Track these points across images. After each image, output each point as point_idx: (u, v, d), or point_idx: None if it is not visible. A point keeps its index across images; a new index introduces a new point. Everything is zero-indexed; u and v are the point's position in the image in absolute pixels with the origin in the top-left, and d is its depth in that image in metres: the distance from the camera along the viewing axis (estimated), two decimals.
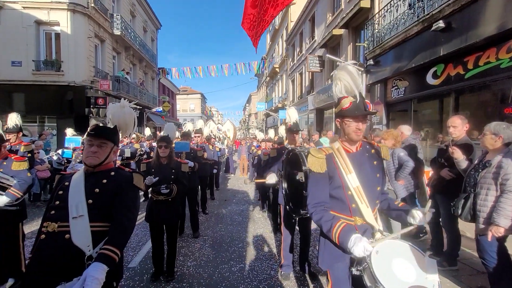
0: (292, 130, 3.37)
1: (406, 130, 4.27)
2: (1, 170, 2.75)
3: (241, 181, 10.58)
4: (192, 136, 5.64)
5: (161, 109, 20.67)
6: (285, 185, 3.00)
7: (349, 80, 1.58)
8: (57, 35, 12.24)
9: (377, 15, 8.21)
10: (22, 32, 11.70)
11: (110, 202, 1.59)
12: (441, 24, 5.55)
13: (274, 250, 3.99)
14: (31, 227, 4.75)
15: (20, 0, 11.57)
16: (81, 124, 11.11)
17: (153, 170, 3.20)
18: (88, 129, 1.75)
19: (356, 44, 10.16)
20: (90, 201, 1.56)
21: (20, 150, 3.94)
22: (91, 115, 12.48)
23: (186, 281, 3.12)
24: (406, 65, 6.87)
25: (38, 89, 11.83)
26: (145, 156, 6.88)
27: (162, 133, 4.01)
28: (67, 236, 1.48)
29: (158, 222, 3.15)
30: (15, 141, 3.94)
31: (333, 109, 13.23)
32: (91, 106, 12.42)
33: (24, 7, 11.65)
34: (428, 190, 4.41)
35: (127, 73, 16.31)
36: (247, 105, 57.97)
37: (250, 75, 32.08)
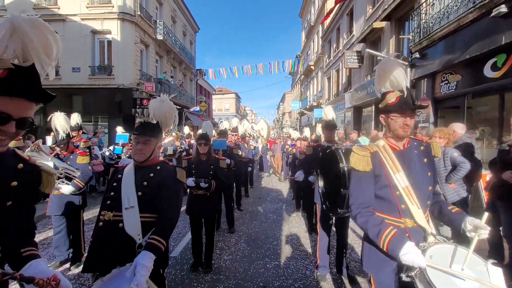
0: (329, 127, 3.29)
1: (459, 128, 3.88)
2: (68, 162, 3.14)
3: (275, 179, 10.59)
4: (228, 134, 5.80)
5: (198, 108, 21.58)
6: (321, 183, 2.93)
7: (395, 73, 1.50)
8: (109, 43, 13.49)
9: (424, 4, 7.56)
10: (81, 41, 13.13)
11: (157, 195, 1.72)
12: (503, 9, 4.91)
13: (309, 250, 3.93)
14: (88, 215, 5.32)
15: (79, 12, 13.01)
16: (129, 123, 12.11)
17: (193, 166, 3.37)
18: (134, 127, 1.89)
19: (400, 36, 9.48)
20: (140, 193, 1.71)
21: (80, 146, 4.44)
22: (136, 114, 13.54)
23: (223, 273, 3.24)
24: (458, 57, 6.22)
25: (93, 92, 13.18)
26: (184, 153, 7.26)
27: (200, 131, 4.19)
28: (120, 225, 1.64)
29: (198, 215, 3.31)
30: (76, 138, 4.45)
31: (372, 107, 12.39)
32: (137, 106, 13.48)
33: (82, 19, 13.06)
34: (485, 196, 3.96)
35: (171, 76, 17.37)
36: (281, 104, 57.68)
37: (284, 74, 31.79)
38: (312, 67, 24.20)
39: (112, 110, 13.30)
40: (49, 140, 3.44)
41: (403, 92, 1.49)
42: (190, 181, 3.15)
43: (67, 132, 3.15)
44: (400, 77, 1.49)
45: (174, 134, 8.18)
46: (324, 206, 2.81)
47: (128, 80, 13.36)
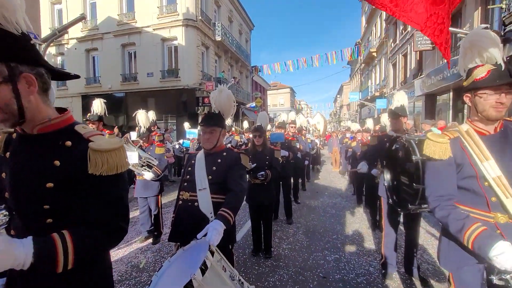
0: (397, 113, 2.98)
1: None
2: (149, 153, 3.67)
3: (333, 174, 10.21)
4: (287, 127, 5.84)
5: (254, 104, 22.13)
6: (387, 176, 2.74)
7: (486, 45, 1.29)
8: (175, 48, 14.95)
9: None
10: (153, 49, 14.89)
11: (224, 178, 1.92)
12: None
13: (373, 247, 3.72)
14: (163, 200, 6.08)
15: (151, 24, 14.73)
16: (193, 120, 13.27)
17: (250, 156, 3.52)
18: (199, 120, 2.11)
19: (488, 7, 7.94)
20: (210, 177, 1.93)
21: (155, 139, 5.12)
22: (199, 112, 14.71)
23: (282, 261, 3.33)
24: None
25: (163, 94, 14.83)
26: (243, 146, 7.61)
27: (256, 123, 4.33)
28: (196, 204, 1.88)
29: (256, 203, 3.48)
30: (153, 132, 5.14)
31: (450, 93, 10.73)
32: (199, 104, 14.65)
33: (154, 29, 14.77)
34: None
35: (234, 78, 18.33)
36: (338, 96, 54.83)
37: (342, 64, 29.99)
38: (374, 54, 22.21)
39: (179, 109, 14.76)
40: (133, 135, 4.07)
41: (500, 66, 1.27)
42: (250, 165, 3.30)
43: (147, 127, 3.67)
44: (494, 51, 1.28)
45: (233, 129, 8.64)
46: (391, 200, 2.63)
47: (192, 81, 14.59)
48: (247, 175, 3.42)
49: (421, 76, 12.47)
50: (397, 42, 16.48)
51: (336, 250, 3.62)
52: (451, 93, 10.57)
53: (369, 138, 5.88)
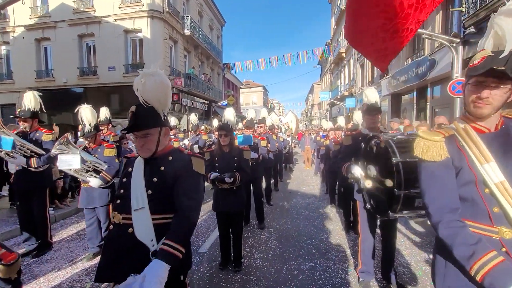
0: (371, 111, 2.78)
1: None
2: (96, 155, 3.11)
3: (305, 173, 10.16)
4: (256, 126, 5.52)
5: (226, 102, 21.62)
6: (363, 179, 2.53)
7: (505, 23, 1.02)
8: (140, 41, 13.92)
9: None
10: (115, 41, 13.71)
11: (170, 191, 1.42)
12: None
13: (348, 251, 3.54)
14: None
15: (112, 13, 13.55)
16: None
17: (216, 158, 3.13)
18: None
19: (450, 9, 8.33)
20: (150, 191, 1.42)
21: (110, 140, 4.49)
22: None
23: (254, 274, 3.01)
24: None
25: (128, 90, 13.70)
26: (213, 146, 7.17)
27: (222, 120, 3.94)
28: (130, 230, 1.38)
29: (224, 210, 3.09)
30: (106, 132, 4.51)
31: (414, 93, 11.23)
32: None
33: (115, 19, 13.60)
34: None
35: (205, 74, 17.59)
36: (309, 95, 56.10)
37: (313, 64, 30.60)
38: (343, 54, 22.84)
39: None
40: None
41: (496, 52, 1.04)
42: (215, 175, 2.93)
43: (94, 124, 3.11)
44: (510, 31, 1.01)
45: (203, 127, 8.14)
46: (368, 205, 2.41)
47: None
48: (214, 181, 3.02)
49: (387, 77, 12.93)
50: None
51: (311, 257, 3.37)
52: (415, 93, 11.06)
53: (342, 136, 5.81)
